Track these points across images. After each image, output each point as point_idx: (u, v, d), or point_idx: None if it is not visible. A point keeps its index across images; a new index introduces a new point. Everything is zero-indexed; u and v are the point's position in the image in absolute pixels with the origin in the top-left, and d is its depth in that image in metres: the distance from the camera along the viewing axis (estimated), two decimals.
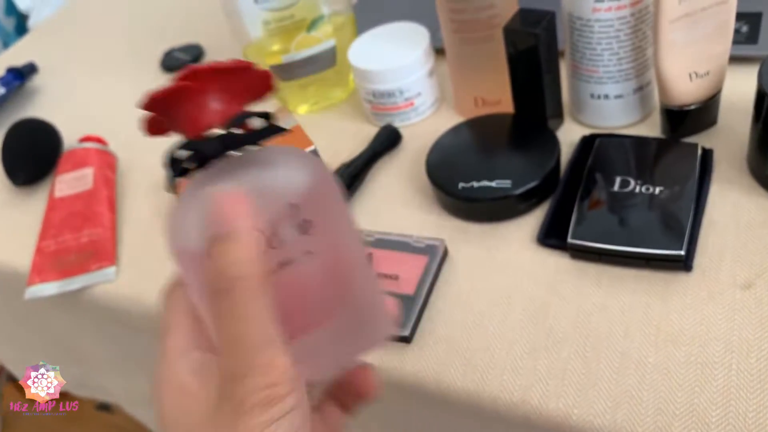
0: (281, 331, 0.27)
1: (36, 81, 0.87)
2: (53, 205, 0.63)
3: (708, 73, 0.50)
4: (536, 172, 0.51)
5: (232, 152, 0.29)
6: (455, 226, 0.53)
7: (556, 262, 0.48)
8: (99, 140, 0.70)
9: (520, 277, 0.47)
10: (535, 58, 0.52)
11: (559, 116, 0.57)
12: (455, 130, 0.57)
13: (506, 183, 0.50)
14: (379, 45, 0.63)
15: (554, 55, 0.53)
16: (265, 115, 0.30)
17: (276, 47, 0.64)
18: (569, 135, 0.57)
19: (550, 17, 0.51)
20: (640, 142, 0.52)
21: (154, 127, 0.28)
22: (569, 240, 0.46)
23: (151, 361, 0.30)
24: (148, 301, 0.55)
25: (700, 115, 0.52)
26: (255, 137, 0.29)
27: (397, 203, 0.56)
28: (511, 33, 0.52)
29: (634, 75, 0.53)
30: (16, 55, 0.95)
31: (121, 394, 0.76)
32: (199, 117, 0.28)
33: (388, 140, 0.60)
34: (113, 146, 0.71)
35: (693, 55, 0.49)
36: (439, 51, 0.64)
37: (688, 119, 0.52)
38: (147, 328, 0.56)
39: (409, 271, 0.49)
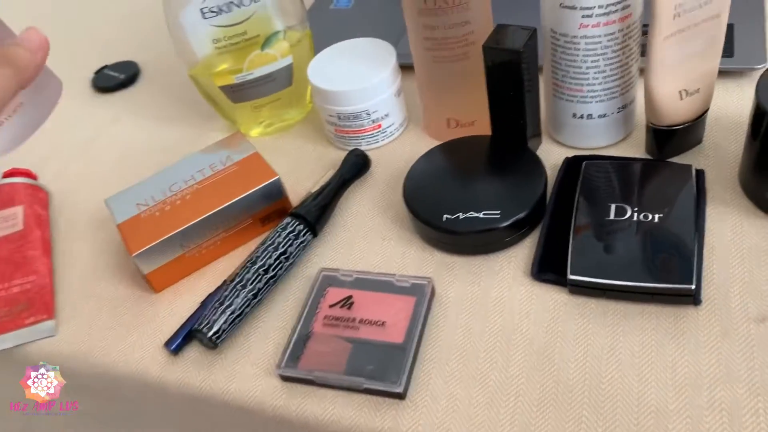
0: None
1: None
2: None
3: (698, 91, 0.47)
4: (524, 200, 0.47)
5: None
6: (439, 260, 0.48)
7: (554, 298, 0.44)
8: (27, 174, 0.62)
9: (517, 317, 0.44)
10: (517, 76, 0.48)
11: (537, 136, 0.54)
12: (430, 154, 0.53)
13: (494, 214, 0.46)
14: (340, 63, 0.58)
15: (534, 74, 0.50)
16: None
17: (225, 66, 0.59)
18: (549, 156, 0.54)
19: (531, 33, 0.48)
20: (629, 164, 0.49)
21: None
22: (569, 276, 0.43)
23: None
24: (95, 358, 0.49)
25: (687, 133, 0.50)
26: None
27: (373, 235, 0.51)
28: (491, 51, 0.48)
29: (619, 93, 0.50)
30: None
31: None
32: None
33: (356, 166, 0.55)
34: (43, 180, 0.63)
35: (684, 72, 0.46)
36: (403, 67, 0.59)
37: (675, 138, 0.50)
38: (99, 389, 0.50)
39: (395, 315, 0.44)
